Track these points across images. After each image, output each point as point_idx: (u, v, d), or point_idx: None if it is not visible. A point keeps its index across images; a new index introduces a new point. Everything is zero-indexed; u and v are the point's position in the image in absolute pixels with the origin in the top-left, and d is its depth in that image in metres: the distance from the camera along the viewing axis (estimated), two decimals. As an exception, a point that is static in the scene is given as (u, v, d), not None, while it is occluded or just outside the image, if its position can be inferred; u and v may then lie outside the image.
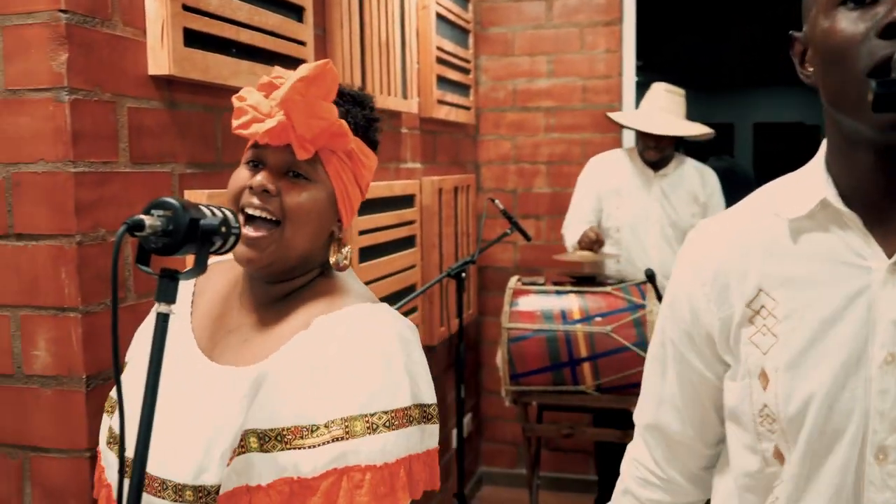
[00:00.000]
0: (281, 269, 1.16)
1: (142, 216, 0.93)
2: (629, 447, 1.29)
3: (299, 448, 1.02)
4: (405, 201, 3.13)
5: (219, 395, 1.12)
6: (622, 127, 3.87)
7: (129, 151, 1.63)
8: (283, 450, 1.03)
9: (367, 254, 2.72)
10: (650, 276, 2.65)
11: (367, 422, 1.03)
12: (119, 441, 0.94)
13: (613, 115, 3.65)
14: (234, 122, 1.15)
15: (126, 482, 0.95)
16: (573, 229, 3.62)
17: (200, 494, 1.08)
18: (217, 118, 1.88)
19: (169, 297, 0.97)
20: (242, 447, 1.06)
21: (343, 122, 1.15)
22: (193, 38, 1.76)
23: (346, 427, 1.02)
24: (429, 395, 1.12)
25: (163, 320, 0.96)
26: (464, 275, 2.95)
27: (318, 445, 1.02)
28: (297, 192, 1.14)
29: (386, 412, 1.04)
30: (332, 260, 1.22)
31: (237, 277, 1.27)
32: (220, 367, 1.15)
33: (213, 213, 1.03)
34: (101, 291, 1.55)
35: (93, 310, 1.53)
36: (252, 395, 1.09)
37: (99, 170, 1.55)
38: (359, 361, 1.06)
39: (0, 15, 1.50)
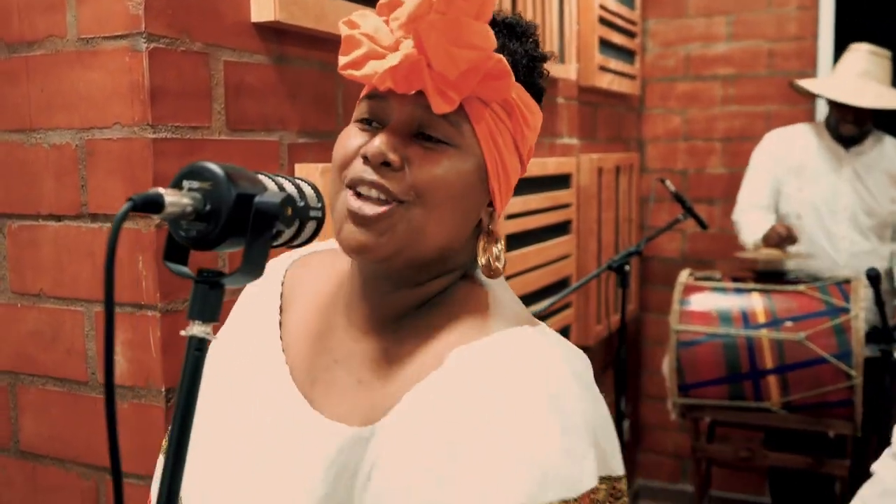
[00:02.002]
0: (409, 264, 0.81)
1: (160, 190, 0.61)
2: None
3: None
4: (560, 181, 2.74)
5: (303, 455, 0.80)
6: (816, 97, 3.30)
7: (225, 115, 1.34)
8: None
9: (514, 241, 2.36)
10: (873, 277, 2.11)
11: None
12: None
13: (803, 83, 3.10)
14: (343, 59, 0.80)
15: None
16: (748, 218, 3.11)
17: None
18: (336, 76, 1.56)
19: (207, 313, 0.65)
20: None
21: (502, 56, 0.79)
22: (307, -22, 1.44)
23: None
24: (617, 463, 0.81)
25: (196, 348, 0.64)
26: (627, 268, 2.53)
27: None
28: (432, 163, 0.78)
29: (566, 502, 0.70)
30: (481, 261, 0.84)
31: (341, 276, 0.92)
32: (314, 415, 0.83)
33: (280, 187, 0.69)
34: (184, 286, 1.26)
35: (175, 308, 1.25)
36: (343, 469, 0.77)
37: (186, 136, 1.27)
38: (522, 424, 0.72)
39: (69, -55, 1.24)
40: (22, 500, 1.41)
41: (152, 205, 0.60)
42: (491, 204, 0.85)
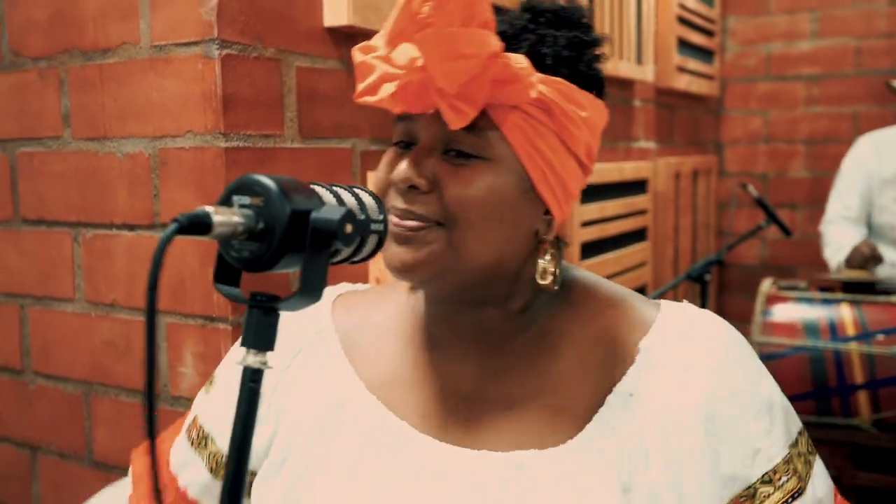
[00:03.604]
0: (464, 282, 0.77)
1: (208, 208, 0.56)
2: None
3: None
4: (636, 187, 2.65)
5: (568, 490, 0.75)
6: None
7: (297, 122, 1.31)
8: None
9: (590, 249, 2.28)
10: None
11: (800, 454, 0.80)
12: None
13: None
14: (359, 87, 0.76)
15: None
16: (835, 232, 2.96)
17: None
18: (410, 82, 1.52)
19: (262, 341, 0.60)
20: None
21: (511, 56, 0.73)
22: (381, -19, 1.40)
23: (792, 468, 0.78)
24: None
25: (252, 378, 0.59)
26: (707, 277, 2.42)
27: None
28: (462, 181, 0.74)
29: (800, 429, 0.83)
30: (537, 274, 0.81)
31: (403, 318, 0.88)
32: (512, 455, 0.77)
33: (339, 200, 0.64)
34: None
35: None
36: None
37: (257, 145, 1.24)
38: (755, 375, 0.81)
39: (143, -48, 1.22)
40: (94, 510, 1.40)
41: (200, 226, 0.55)
42: (548, 212, 0.80)
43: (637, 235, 2.68)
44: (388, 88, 0.73)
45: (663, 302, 0.85)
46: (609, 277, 2.38)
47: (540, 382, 0.80)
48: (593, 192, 2.27)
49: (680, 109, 3.19)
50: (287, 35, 1.29)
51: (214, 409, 0.92)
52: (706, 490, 0.74)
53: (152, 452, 0.58)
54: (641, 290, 2.69)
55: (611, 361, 0.79)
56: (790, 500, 0.77)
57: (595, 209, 2.28)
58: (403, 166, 0.74)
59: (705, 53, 3.40)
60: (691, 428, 0.75)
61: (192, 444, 0.92)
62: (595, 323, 0.82)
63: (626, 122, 2.64)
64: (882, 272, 2.84)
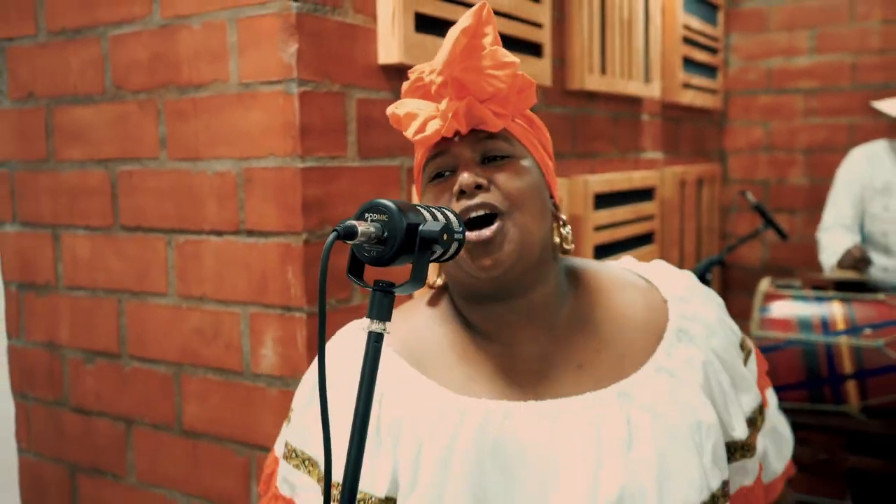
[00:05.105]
0: (527, 264, 0.97)
1: (354, 222, 0.81)
2: None
3: None
4: (644, 194, 2.89)
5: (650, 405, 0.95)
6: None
7: (357, 145, 1.56)
8: None
9: (602, 251, 2.53)
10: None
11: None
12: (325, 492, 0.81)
13: (879, 105, 3.14)
14: (409, 132, 0.98)
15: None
16: (830, 238, 3.18)
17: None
18: (447, 108, 1.77)
19: (383, 314, 0.84)
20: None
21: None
22: (425, 24, 1.66)
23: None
24: None
25: (376, 340, 0.84)
26: (709, 276, 2.66)
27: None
28: (509, 175, 0.96)
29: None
30: (555, 239, 1.03)
31: (440, 321, 1.04)
32: (602, 391, 0.96)
33: (434, 217, 0.89)
34: (328, 291, 1.49)
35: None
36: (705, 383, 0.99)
37: (327, 164, 1.49)
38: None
39: (234, 8, 1.47)
40: (184, 472, 1.65)
41: (350, 234, 0.80)
42: (551, 196, 1.03)
43: (645, 239, 2.92)
44: (434, 124, 0.95)
45: (644, 265, 1.11)
46: (619, 277, 2.63)
47: (596, 341, 0.99)
48: (605, 200, 2.52)
49: (685, 122, 3.43)
50: (349, 72, 1.54)
51: (306, 433, 1.01)
52: (750, 396, 1.05)
53: (326, 441, 0.79)
54: (649, 289, 2.93)
55: (648, 315, 1.02)
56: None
57: (606, 215, 2.52)
58: (465, 175, 0.94)
59: (709, 69, 3.63)
60: (732, 353, 1.04)
61: (300, 468, 1.00)
62: (617, 293, 1.03)
63: (634, 135, 2.89)
64: (871, 274, 3.08)
